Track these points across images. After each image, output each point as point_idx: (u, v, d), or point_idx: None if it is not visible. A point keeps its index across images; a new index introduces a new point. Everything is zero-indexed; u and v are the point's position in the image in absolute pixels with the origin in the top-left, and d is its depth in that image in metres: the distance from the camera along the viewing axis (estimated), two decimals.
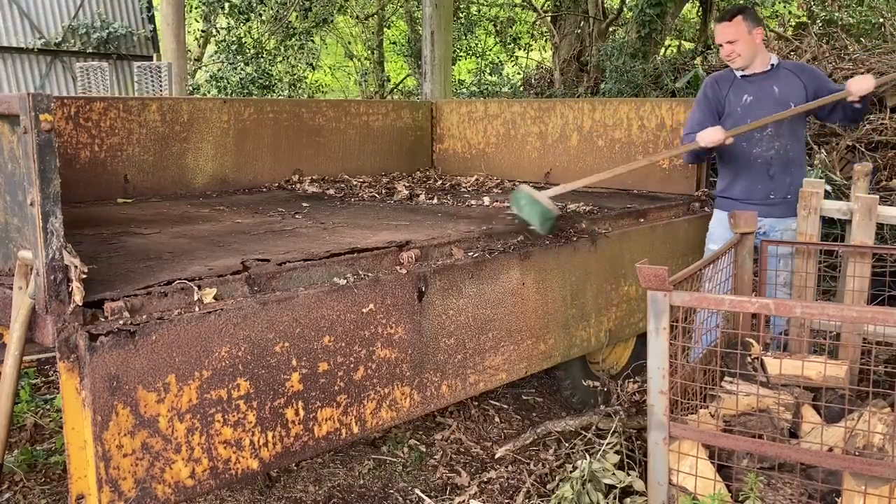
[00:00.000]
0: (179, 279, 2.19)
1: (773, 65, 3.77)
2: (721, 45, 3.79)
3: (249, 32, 13.71)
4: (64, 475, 3.22)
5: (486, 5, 15.63)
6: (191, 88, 12.82)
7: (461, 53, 15.77)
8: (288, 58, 14.34)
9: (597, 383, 3.76)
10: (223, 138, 4.39)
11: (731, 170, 3.88)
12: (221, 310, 2.20)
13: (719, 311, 3.05)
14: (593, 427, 3.46)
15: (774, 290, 3.63)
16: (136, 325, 2.03)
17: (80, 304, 1.97)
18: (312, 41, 14.56)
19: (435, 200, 4.11)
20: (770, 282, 3.55)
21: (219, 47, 13.65)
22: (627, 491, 2.93)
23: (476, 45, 16.11)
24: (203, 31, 14.96)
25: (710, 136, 3.62)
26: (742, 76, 3.83)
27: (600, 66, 11.26)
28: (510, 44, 16.00)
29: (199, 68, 15.36)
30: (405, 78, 18.76)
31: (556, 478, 3.21)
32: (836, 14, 9.90)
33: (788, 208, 3.71)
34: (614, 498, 2.87)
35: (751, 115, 3.73)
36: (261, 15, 13.37)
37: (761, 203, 3.75)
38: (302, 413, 2.41)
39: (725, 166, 3.92)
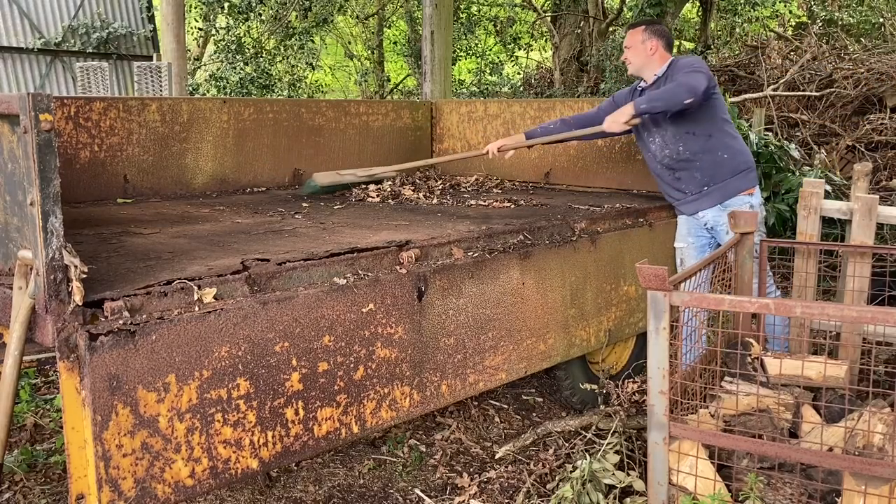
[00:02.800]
0: (179, 279, 2.19)
1: (657, 76, 3.91)
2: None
3: (249, 32, 13.72)
4: (64, 475, 3.23)
5: (486, 5, 15.63)
6: (190, 88, 12.83)
7: (461, 53, 15.77)
8: (287, 58, 14.35)
9: (594, 386, 3.76)
10: (223, 138, 4.39)
11: (654, 175, 4.09)
12: (221, 310, 2.20)
13: (703, 312, 3.08)
14: (593, 427, 3.46)
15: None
16: (136, 324, 2.03)
17: (80, 303, 1.97)
18: (312, 41, 14.56)
19: (434, 200, 4.11)
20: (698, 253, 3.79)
21: (218, 47, 13.66)
22: (627, 491, 2.93)
23: (476, 45, 16.12)
24: (202, 31, 14.95)
25: (492, 146, 4.27)
26: (640, 88, 4.05)
27: (600, 66, 11.27)
28: (510, 44, 16.01)
29: (199, 68, 15.37)
30: (405, 78, 18.77)
31: (556, 478, 3.21)
32: (837, 14, 9.91)
33: (716, 196, 3.83)
34: (614, 498, 2.87)
35: (641, 128, 3.94)
36: (260, 15, 13.38)
37: (685, 202, 3.92)
38: (302, 413, 2.41)
39: (651, 174, 4.14)
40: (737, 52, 11.06)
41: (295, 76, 14.60)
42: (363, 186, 4.42)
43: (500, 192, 4.56)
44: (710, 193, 3.83)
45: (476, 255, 2.97)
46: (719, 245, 3.83)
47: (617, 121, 3.79)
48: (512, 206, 3.85)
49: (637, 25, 4.01)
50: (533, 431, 3.59)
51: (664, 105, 3.65)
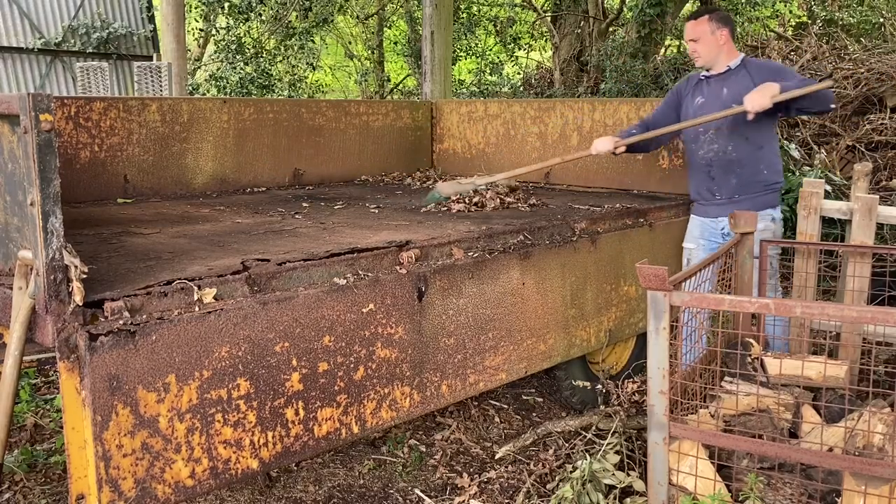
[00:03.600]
0: (179, 279, 2.19)
1: (729, 67, 3.81)
2: (688, 44, 3.94)
3: (249, 32, 13.72)
4: (64, 475, 3.23)
5: (486, 5, 15.62)
6: (190, 88, 12.83)
7: (461, 53, 15.77)
8: (288, 58, 14.34)
9: (588, 384, 3.76)
10: (223, 138, 4.38)
11: (688, 170, 4.06)
12: (221, 310, 2.20)
13: (703, 312, 3.08)
14: (593, 427, 3.46)
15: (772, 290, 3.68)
16: (136, 324, 2.03)
17: (80, 303, 1.97)
18: (312, 41, 14.55)
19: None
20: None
21: (218, 47, 13.66)
22: (627, 491, 2.93)
23: (476, 45, 16.11)
24: (203, 31, 14.95)
25: (600, 146, 4.01)
26: (703, 77, 3.94)
27: (600, 66, 11.27)
28: (510, 44, 16.01)
29: (199, 68, 15.37)
30: (405, 78, 18.76)
31: (556, 478, 3.21)
32: (837, 14, 9.90)
33: (745, 206, 3.68)
34: (614, 498, 2.87)
35: (699, 117, 3.83)
36: (260, 15, 13.37)
37: (710, 203, 3.88)
38: (302, 413, 2.41)
39: (687, 166, 4.10)
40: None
41: (295, 76, 14.59)
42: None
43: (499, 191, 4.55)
44: (739, 202, 3.74)
45: (476, 255, 2.97)
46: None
47: (762, 104, 3.44)
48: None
49: (699, 15, 3.85)
50: (533, 431, 3.59)
51: (812, 104, 3.50)
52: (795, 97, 3.45)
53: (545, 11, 15.00)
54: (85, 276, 1.98)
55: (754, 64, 3.83)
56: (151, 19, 15.12)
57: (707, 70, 3.90)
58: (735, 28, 3.88)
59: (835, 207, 3.64)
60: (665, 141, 4.16)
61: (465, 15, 14.98)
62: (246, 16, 13.00)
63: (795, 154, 5.77)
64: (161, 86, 10.52)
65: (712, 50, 3.81)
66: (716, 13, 3.84)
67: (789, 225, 5.06)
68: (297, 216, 3.50)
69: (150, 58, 14.62)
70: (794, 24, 11.99)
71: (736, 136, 3.74)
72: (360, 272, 2.60)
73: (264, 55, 13.60)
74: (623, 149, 4.01)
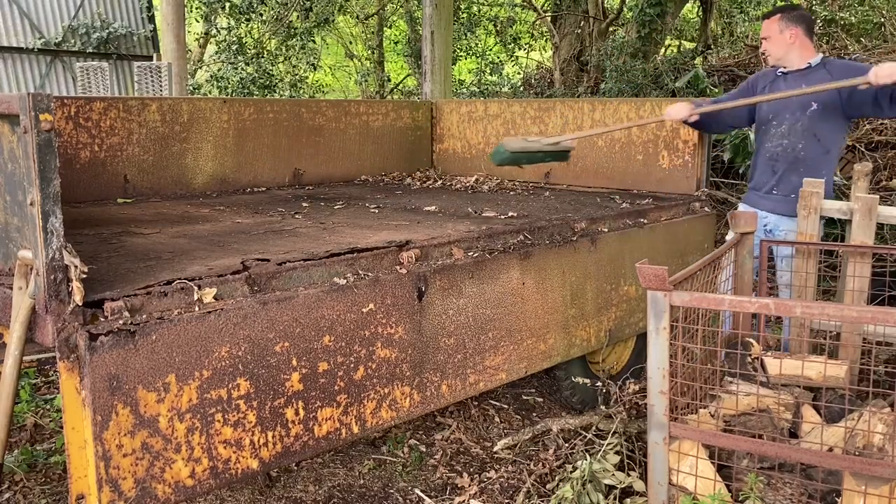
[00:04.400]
0: (179, 279, 2.19)
1: (810, 64, 3.80)
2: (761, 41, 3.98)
3: (250, 32, 13.72)
4: (64, 475, 3.23)
5: (486, 5, 15.62)
6: (191, 88, 12.82)
7: (461, 53, 15.77)
8: (289, 58, 14.34)
9: (587, 381, 3.76)
10: (223, 138, 4.39)
11: (753, 158, 4.04)
12: (221, 310, 2.20)
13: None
14: (593, 427, 3.46)
15: (778, 291, 3.67)
16: (136, 324, 2.03)
17: (80, 303, 1.97)
18: (313, 41, 14.55)
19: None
20: (775, 282, 3.58)
21: (219, 47, 13.66)
22: (627, 491, 2.93)
23: (476, 45, 16.11)
24: (205, 34, 14.95)
25: (674, 112, 3.94)
26: (781, 73, 3.90)
27: (600, 66, 11.26)
28: (510, 44, 16.00)
29: (200, 68, 15.36)
30: (405, 78, 18.76)
31: (557, 478, 3.21)
32: (839, 15, 9.89)
33: (792, 207, 3.66)
34: (614, 498, 2.87)
35: (774, 111, 3.83)
36: (261, 15, 13.37)
37: (766, 196, 3.87)
38: (302, 413, 2.41)
39: (753, 156, 4.08)
40: (737, 52, 11.06)
41: (296, 76, 14.59)
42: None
43: (500, 192, 4.56)
44: (790, 202, 3.70)
45: (476, 255, 2.97)
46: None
47: (891, 74, 3.35)
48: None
49: (773, 14, 3.88)
50: (532, 428, 3.59)
51: None
52: None
53: (545, 11, 15.00)
54: (85, 275, 1.98)
55: (835, 63, 3.83)
56: (151, 19, 15.11)
57: (784, 67, 3.87)
58: (811, 27, 3.87)
59: (835, 207, 3.64)
60: (738, 124, 4.17)
61: (465, 15, 14.98)
62: (247, 16, 13.00)
63: None
64: (161, 86, 10.52)
65: (781, 48, 3.82)
66: (789, 12, 3.84)
67: None
68: (297, 216, 3.50)
69: (150, 58, 14.62)
70: None
71: (809, 133, 3.73)
72: (360, 272, 2.60)
73: (265, 55, 13.60)
74: (696, 118, 3.92)
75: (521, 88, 14.13)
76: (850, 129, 3.66)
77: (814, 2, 10.92)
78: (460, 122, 5.38)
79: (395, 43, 18.38)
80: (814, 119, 3.71)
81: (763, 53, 3.95)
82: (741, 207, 3.98)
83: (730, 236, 3.69)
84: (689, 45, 13.99)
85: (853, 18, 10.32)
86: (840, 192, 5.51)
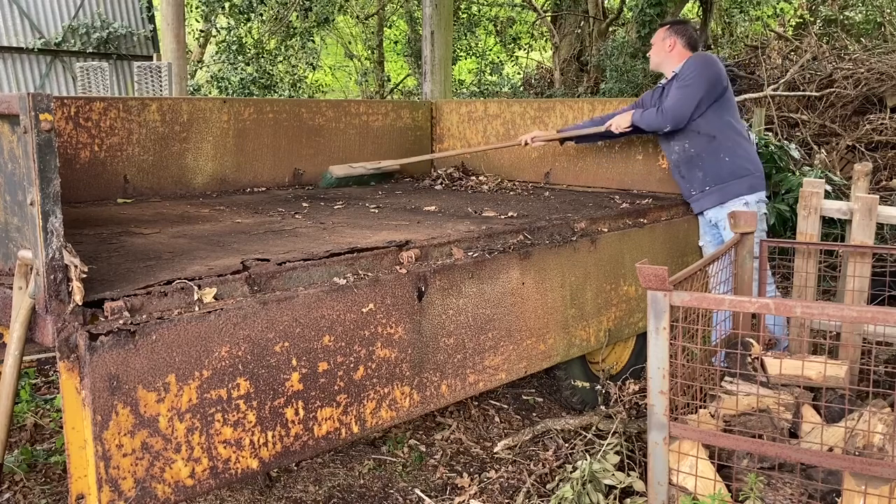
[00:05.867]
0: (179, 279, 2.19)
1: (674, 72, 4.03)
2: None
3: (250, 32, 13.72)
4: (64, 475, 3.22)
5: (487, 5, 15.63)
6: (191, 88, 12.82)
7: (461, 53, 15.77)
8: (289, 58, 14.34)
9: (586, 384, 3.77)
10: (223, 138, 4.39)
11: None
12: (221, 309, 2.20)
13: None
14: (593, 427, 3.46)
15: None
16: (136, 324, 2.03)
17: (80, 303, 1.97)
18: (313, 41, 14.55)
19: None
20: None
21: (219, 47, 13.66)
22: (627, 491, 2.93)
23: (476, 45, 16.11)
24: (202, 32, 14.95)
25: (528, 136, 4.51)
26: (661, 85, 4.18)
27: (600, 66, 11.27)
28: (510, 44, 16.01)
29: (200, 68, 15.36)
30: (405, 78, 18.76)
31: (556, 478, 3.21)
32: (844, 14, 9.89)
33: (717, 196, 3.93)
34: (614, 498, 2.87)
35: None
36: (261, 15, 13.37)
37: (691, 199, 4.07)
38: (302, 413, 2.41)
39: None
40: (737, 52, 11.06)
41: (296, 76, 14.59)
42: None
43: (500, 192, 4.56)
44: (710, 194, 3.95)
45: (476, 255, 2.97)
46: (723, 241, 3.88)
47: (619, 125, 4.07)
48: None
49: (664, 24, 4.19)
50: (532, 428, 3.59)
51: (649, 128, 3.98)
52: (644, 130, 4.03)
53: (545, 11, 15.00)
54: (85, 275, 1.98)
55: (683, 67, 3.97)
56: (151, 19, 15.12)
57: (665, 77, 4.14)
58: (693, 40, 4.10)
59: (835, 207, 3.64)
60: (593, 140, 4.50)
61: (465, 15, 14.99)
62: (247, 16, 13.00)
63: (795, 154, 5.77)
64: (161, 86, 10.52)
65: (659, 55, 4.12)
66: (676, 24, 4.14)
67: (789, 225, 5.06)
68: (297, 216, 3.50)
69: (150, 58, 14.61)
70: (794, 23, 11.99)
71: (689, 132, 3.94)
72: (360, 272, 2.60)
73: (265, 55, 13.60)
74: (541, 143, 4.58)
75: (521, 88, 14.14)
76: (723, 104, 3.92)
77: (817, 1, 10.92)
78: (460, 123, 5.37)
79: (395, 43, 18.38)
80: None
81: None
82: (699, 219, 4.13)
83: (728, 236, 3.71)
84: None
85: (858, 17, 10.33)
86: (840, 192, 5.52)
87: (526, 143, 4.54)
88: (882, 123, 7.07)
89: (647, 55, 4.31)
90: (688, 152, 3.96)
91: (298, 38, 13.94)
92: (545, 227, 3.31)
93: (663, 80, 4.15)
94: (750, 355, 2.99)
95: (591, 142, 4.52)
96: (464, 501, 3.15)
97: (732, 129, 3.93)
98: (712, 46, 12.14)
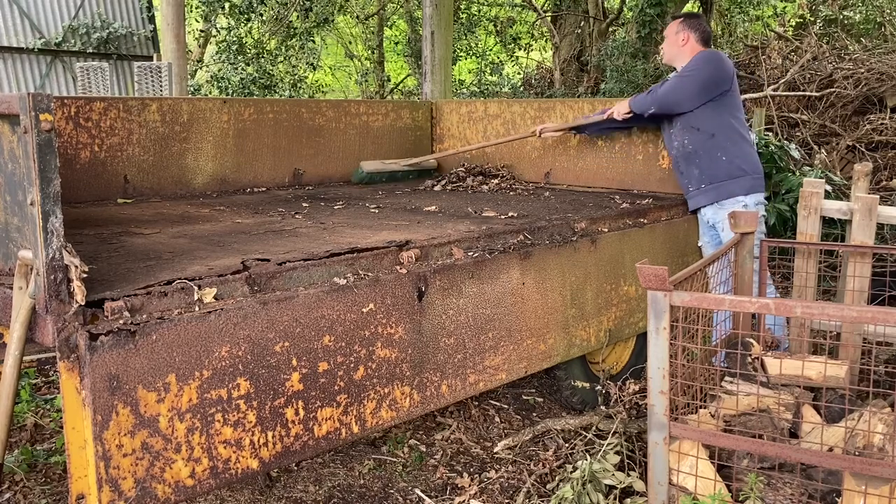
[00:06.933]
0: (179, 279, 2.19)
1: (684, 67, 4.03)
2: None
3: (250, 32, 13.72)
4: (64, 475, 3.23)
5: (487, 5, 15.63)
6: (191, 89, 12.82)
7: (461, 53, 15.77)
8: (289, 58, 14.34)
9: (586, 385, 3.77)
10: (223, 138, 4.38)
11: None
12: (221, 309, 2.20)
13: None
14: (593, 427, 3.46)
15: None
16: (136, 324, 2.03)
17: (81, 303, 1.97)
18: (313, 41, 14.55)
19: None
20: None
21: (219, 47, 13.66)
22: (628, 491, 2.93)
23: (476, 45, 16.12)
24: (202, 32, 14.95)
25: (544, 126, 4.59)
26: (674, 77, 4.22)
27: (600, 66, 11.27)
28: (510, 44, 16.01)
29: (200, 68, 15.36)
30: (405, 78, 18.77)
31: (557, 478, 3.21)
32: (842, 14, 9.90)
33: (712, 194, 3.95)
34: (614, 498, 2.87)
35: (661, 122, 4.16)
36: (261, 15, 13.37)
37: (688, 196, 4.09)
38: (302, 413, 2.41)
39: None
40: (737, 52, 11.06)
41: (296, 76, 14.60)
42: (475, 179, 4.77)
43: (500, 192, 4.56)
44: (706, 192, 3.97)
45: (476, 255, 2.97)
46: (721, 242, 3.88)
47: (619, 111, 4.12)
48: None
49: (677, 17, 4.20)
50: (532, 428, 3.59)
51: (639, 110, 4.01)
52: (644, 112, 4.03)
53: (545, 11, 15.00)
54: (85, 275, 1.98)
55: (692, 61, 4.00)
56: (151, 19, 15.11)
57: (676, 69, 4.15)
58: (707, 35, 4.12)
59: (835, 207, 3.64)
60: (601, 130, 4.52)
61: (465, 15, 14.99)
62: (247, 16, 13.00)
63: (795, 154, 5.77)
64: (161, 86, 10.52)
65: (672, 49, 4.13)
66: (689, 18, 4.15)
67: (789, 225, 5.06)
68: (297, 216, 3.50)
69: (150, 58, 14.62)
70: (794, 23, 11.99)
71: (686, 129, 3.97)
72: (360, 272, 2.60)
73: (265, 55, 13.60)
74: (553, 135, 4.65)
75: (522, 88, 14.13)
76: (726, 103, 3.94)
77: (817, 1, 10.92)
78: (460, 123, 5.37)
79: (395, 43, 18.38)
80: (683, 115, 3.96)
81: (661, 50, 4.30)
82: (698, 217, 4.14)
83: (726, 237, 3.71)
84: None
85: (857, 17, 10.33)
86: (840, 192, 5.51)
87: (539, 134, 4.59)
88: (882, 123, 7.07)
89: (660, 47, 4.34)
90: (686, 148, 3.98)
91: (298, 39, 13.94)
92: (545, 227, 3.31)
93: (673, 74, 4.17)
94: (750, 355, 2.99)
95: (601, 132, 4.51)
96: (464, 501, 3.15)
97: (733, 129, 3.92)
98: (713, 46, 12.15)
